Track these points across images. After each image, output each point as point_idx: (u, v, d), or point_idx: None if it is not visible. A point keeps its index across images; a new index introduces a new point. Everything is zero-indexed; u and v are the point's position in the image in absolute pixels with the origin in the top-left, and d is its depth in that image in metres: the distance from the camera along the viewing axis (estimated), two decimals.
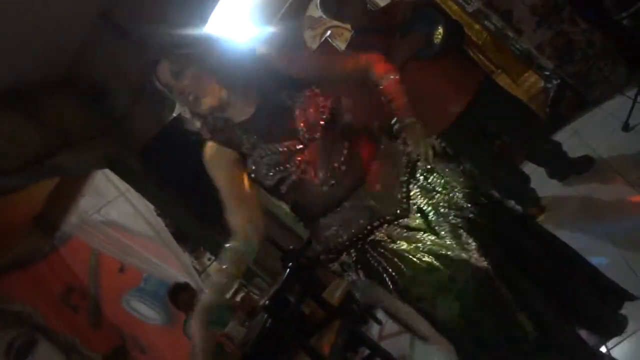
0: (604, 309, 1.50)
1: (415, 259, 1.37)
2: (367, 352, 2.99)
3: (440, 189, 1.46)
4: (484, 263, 1.34)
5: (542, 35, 3.35)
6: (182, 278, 4.63)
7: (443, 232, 1.39)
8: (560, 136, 3.13)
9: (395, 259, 1.39)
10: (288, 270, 2.90)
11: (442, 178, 1.48)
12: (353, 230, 1.44)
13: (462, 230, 1.38)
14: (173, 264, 4.79)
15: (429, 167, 1.50)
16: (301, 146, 1.44)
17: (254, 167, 1.46)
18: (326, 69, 1.65)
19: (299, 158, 1.44)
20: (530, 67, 4.03)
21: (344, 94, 1.76)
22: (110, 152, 4.08)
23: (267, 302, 2.71)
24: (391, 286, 1.38)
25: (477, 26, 4.13)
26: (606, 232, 2.30)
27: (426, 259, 1.36)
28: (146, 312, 5.07)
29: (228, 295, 1.61)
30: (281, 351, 2.86)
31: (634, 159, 2.63)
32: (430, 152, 1.48)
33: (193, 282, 4.61)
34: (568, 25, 3.30)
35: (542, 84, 3.89)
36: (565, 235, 2.48)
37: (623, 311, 1.53)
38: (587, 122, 3.30)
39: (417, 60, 2.63)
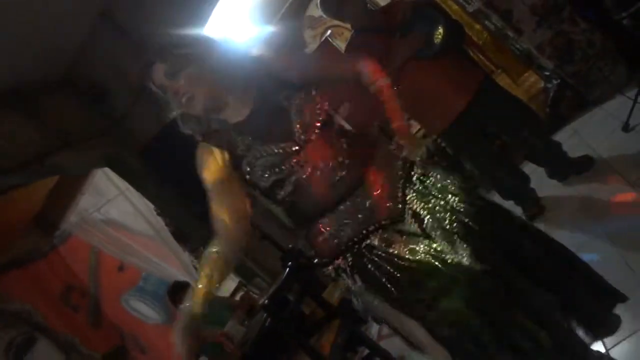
0: (598, 308, 1.50)
1: (411, 264, 1.36)
2: (366, 351, 2.99)
3: (436, 193, 1.46)
4: (478, 267, 1.34)
5: (542, 35, 3.35)
6: (182, 277, 4.62)
7: (438, 237, 1.39)
8: (560, 136, 3.13)
9: (391, 264, 1.38)
10: (288, 269, 2.90)
11: (438, 182, 1.48)
12: (348, 234, 1.44)
13: (456, 236, 1.38)
14: (173, 263, 4.77)
15: (425, 171, 1.50)
16: (297, 148, 1.43)
17: (248, 169, 1.45)
18: (321, 71, 1.65)
19: (295, 160, 1.43)
20: (530, 67, 4.04)
21: (344, 94, 1.76)
22: (110, 151, 4.08)
23: (266, 301, 2.71)
24: (388, 291, 1.37)
25: (477, 26, 4.13)
26: (606, 231, 2.31)
27: (422, 263, 1.36)
28: (146, 311, 5.07)
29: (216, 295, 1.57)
30: (281, 351, 2.86)
31: (634, 159, 2.63)
32: (424, 151, 1.48)
33: (193, 281, 4.60)
34: (568, 25, 3.30)
35: (542, 84, 3.89)
36: (564, 235, 2.51)
37: (621, 311, 1.54)
38: (587, 122, 3.30)
39: (417, 60, 2.63)
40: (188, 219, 4.23)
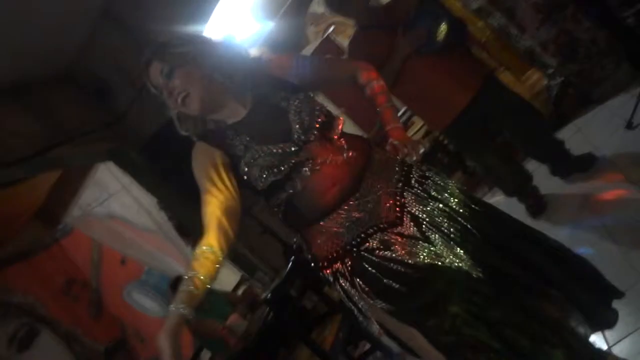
0: (595, 303, 1.50)
1: (410, 267, 1.35)
2: (367, 346, 3.01)
3: (435, 195, 1.45)
4: (478, 271, 1.34)
5: (545, 33, 3.34)
6: (184, 271, 4.63)
7: (437, 241, 1.38)
8: (563, 133, 3.13)
9: (390, 267, 1.37)
10: (290, 264, 2.91)
11: (437, 185, 1.48)
12: (346, 238, 1.41)
13: (455, 240, 1.38)
14: (175, 257, 4.79)
15: (423, 174, 1.50)
16: (295, 148, 1.41)
17: (246, 169, 1.43)
18: (319, 73, 1.63)
19: (293, 161, 1.41)
20: (533, 65, 4.03)
21: (346, 96, 1.77)
22: (113, 146, 4.09)
23: (269, 295, 2.73)
24: (387, 295, 1.36)
25: (480, 23, 4.13)
26: (607, 229, 2.31)
27: (421, 267, 1.35)
28: (148, 304, 5.08)
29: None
30: (282, 345, 2.89)
31: (637, 157, 2.63)
32: (420, 153, 1.48)
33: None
34: (572, 23, 3.29)
35: (545, 81, 3.89)
36: (566, 232, 2.52)
37: (623, 308, 1.54)
38: (590, 119, 3.29)
39: (420, 56, 2.63)
40: (190, 213, 4.24)
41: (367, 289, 1.38)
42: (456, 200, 1.46)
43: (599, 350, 1.51)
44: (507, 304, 1.35)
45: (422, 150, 1.46)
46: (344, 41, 5.89)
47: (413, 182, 1.47)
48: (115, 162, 4.20)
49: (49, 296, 4.58)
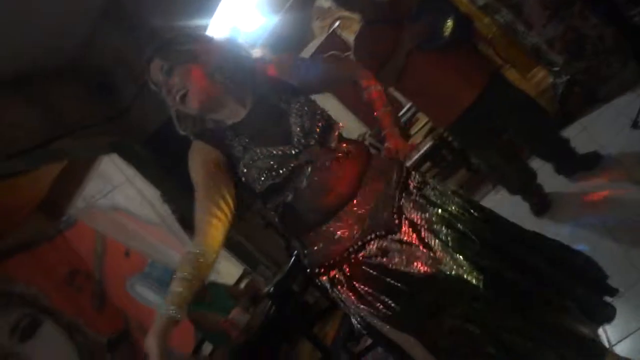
0: (595, 299, 1.51)
1: (408, 276, 1.35)
2: (368, 341, 3.01)
3: (434, 201, 1.45)
4: (477, 277, 1.34)
5: (552, 30, 3.32)
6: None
7: (435, 247, 1.38)
8: (569, 132, 3.12)
9: (388, 274, 1.36)
10: (292, 259, 2.92)
11: (435, 191, 1.48)
12: (344, 244, 1.41)
13: (454, 247, 1.38)
14: (179, 250, 4.80)
15: (422, 180, 1.50)
16: (295, 152, 1.40)
17: (245, 171, 1.42)
18: (319, 76, 1.63)
19: (293, 164, 1.40)
20: (539, 62, 4.01)
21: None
22: (115, 139, 4.10)
23: (271, 290, 2.74)
24: (385, 301, 1.36)
25: (486, 19, 4.10)
26: (611, 228, 2.30)
27: (420, 274, 1.35)
28: (151, 297, 5.10)
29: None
30: (284, 338, 2.90)
31: None
32: (411, 156, 1.47)
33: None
34: (579, 21, 3.27)
35: (551, 79, 3.87)
36: (570, 230, 2.51)
37: (626, 307, 1.54)
38: (596, 118, 3.28)
39: (425, 52, 2.62)
40: (193, 207, 4.24)
41: (365, 292, 1.38)
42: (455, 206, 1.46)
43: (599, 351, 1.51)
44: (505, 308, 1.36)
45: (415, 156, 1.47)
46: (349, 36, 5.87)
47: (411, 188, 1.47)
48: (120, 155, 4.21)
49: (52, 287, 4.60)
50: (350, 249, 1.41)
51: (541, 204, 2.87)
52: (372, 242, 1.40)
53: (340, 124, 1.53)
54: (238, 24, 4.65)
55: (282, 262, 3.72)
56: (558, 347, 1.36)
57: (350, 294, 1.40)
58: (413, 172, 1.52)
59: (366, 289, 1.38)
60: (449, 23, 2.60)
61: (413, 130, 4.96)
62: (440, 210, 1.43)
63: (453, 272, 1.34)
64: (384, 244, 1.39)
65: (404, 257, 1.37)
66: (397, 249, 1.38)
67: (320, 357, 2.83)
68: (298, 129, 1.42)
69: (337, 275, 1.42)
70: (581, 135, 3.16)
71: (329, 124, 1.47)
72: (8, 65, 3.33)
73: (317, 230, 1.43)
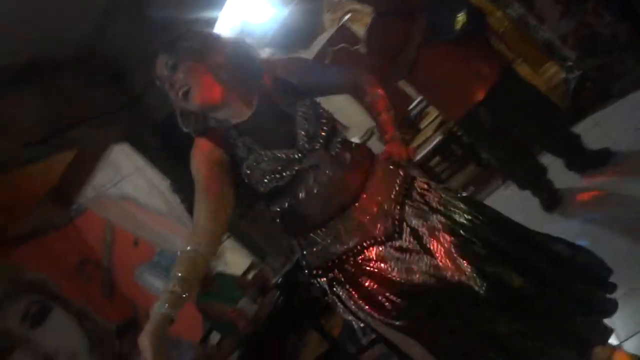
0: (597, 293, 1.52)
1: (405, 286, 1.36)
2: (373, 335, 3.02)
3: (437, 208, 1.45)
4: (478, 283, 1.35)
5: (565, 25, 3.30)
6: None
7: (437, 253, 1.38)
8: (581, 128, 3.10)
9: (385, 279, 1.37)
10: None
11: (439, 198, 1.48)
12: (344, 247, 1.41)
13: (455, 254, 1.38)
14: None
15: (425, 186, 1.50)
16: (299, 155, 1.40)
17: (248, 172, 1.41)
18: (325, 80, 1.63)
19: (297, 168, 1.39)
20: (551, 58, 3.98)
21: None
22: (128, 128, 4.12)
23: (279, 281, 2.76)
24: (382, 307, 1.36)
25: (498, 13, 4.08)
26: (621, 225, 2.30)
27: (419, 281, 1.36)
28: (160, 286, 5.13)
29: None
30: (292, 329, 2.91)
31: None
32: (409, 163, 1.48)
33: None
34: (592, 16, 3.24)
35: (563, 75, 3.85)
36: (579, 227, 2.51)
37: (635, 304, 1.55)
38: (608, 114, 3.25)
39: (438, 44, 2.61)
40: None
41: (365, 291, 1.39)
42: (459, 212, 1.46)
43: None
44: (506, 311, 1.36)
45: (412, 160, 1.48)
46: (360, 29, 5.85)
47: (414, 194, 1.48)
48: (131, 144, 4.23)
49: (62, 275, 4.64)
50: (350, 253, 1.41)
51: (551, 199, 2.86)
52: (372, 248, 1.40)
53: (347, 127, 1.52)
54: (248, 16, 4.64)
55: (290, 254, 3.73)
56: (558, 347, 1.37)
57: (353, 292, 1.41)
58: (417, 179, 1.52)
59: (366, 288, 1.39)
60: (461, 17, 2.59)
61: (423, 124, 4.95)
62: (443, 218, 1.44)
63: (455, 279, 1.35)
64: (383, 251, 1.40)
65: (403, 267, 1.38)
66: (396, 258, 1.39)
67: (328, 347, 2.85)
68: (303, 132, 1.41)
69: (336, 277, 1.43)
70: (593, 130, 3.14)
71: (334, 128, 1.47)
72: (20, 55, 3.35)
73: (316, 232, 1.43)
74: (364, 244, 1.41)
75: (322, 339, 2.86)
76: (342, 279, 1.42)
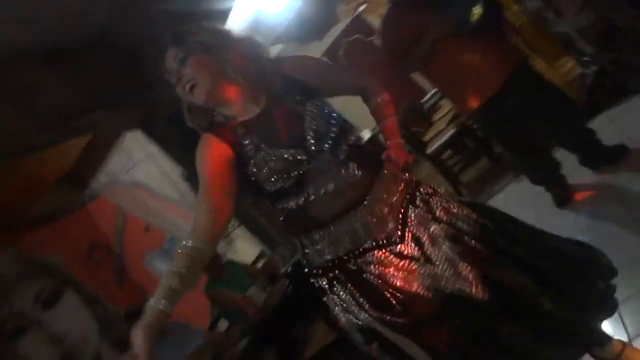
0: (597, 292, 1.52)
1: (402, 293, 1.36)
2: None
3: (438, 217, 1.45)
4: (479, 290, 1.35)
5: (583, 20, 3.26)
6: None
7: (439, 262, 1.38)
8: (596, 123, 3.07)
9: (385, 284, 1.38)
10: None
11: (442, 205, 1.48)
12: (345, 248, 1.42)
13: (456, 262, 1.38)
14: None
15: (429, 192, 1.50)
16: (306, 157, 1.40)
17: (254, 170, 1.41)
18: (334, 79, 1.63)
19: (304, 169, 1.39)
20: (568, 52, 3.94)
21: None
22: (142, 114, 4.14)
23: (289, 270, 2.77)
24: (381, 310, 1.37)
25: (515, 7, 4.04)
26: (632, 221, 2.28)
27: (417, 289, 1.36)
28: None
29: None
30: (300, 318, 2.92)
31: None
32: (409, 167, 1.49)
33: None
34: (611, 11, 3.20)
35: (579, 69, 3.81)
36: (592, 223, 2.49)
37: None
38: (625, 110, 3.21)
39: (454, 36, 2.60)
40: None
41: (363, 297, 1.39)
42: (461, 218, 1.47)
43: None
44: (507, 313, 1.37)
45: (410, 168, 1.50)
46: (374, 20, 5.82)
47: (418, 201, 1.48)
48: (143, 131, 4.25)
49: (74, 260, 4.68)
50: (351, 254, 1.42)
51: (564, 195, 2.84)
52: (371, 251, 1.41)
53: (355, 129, 1.53)
54: (262, 6, 4.63)
55: None
56: (558, 347, 1.37)
57: (354, 290, 1.41)
58: (421, 185, 1.52)
59: (367, 288, 1.39)
60: (477, 10, 2.57)
61: (436, 117, 4.92)
62: (445, 225, 1.44)
63: (456, 287, 1.35)
64: (383, 255, 1.40)
65: (402, 275, 1.38)
66: (396, 264, 1.39)
67: (335, 337, 2.86)
68: (311, 133, 1.41)
69: (337, 276, 1.43)
70: (609, 127, 3.11)
71: (343, 129, 1.47)
72: (39, 38, 3.36)
73: (319, 232, 1.43)
74: (366, 246, 1.41)
75: (330, 329, 2.87)
76: (343, 278, 1.43)
